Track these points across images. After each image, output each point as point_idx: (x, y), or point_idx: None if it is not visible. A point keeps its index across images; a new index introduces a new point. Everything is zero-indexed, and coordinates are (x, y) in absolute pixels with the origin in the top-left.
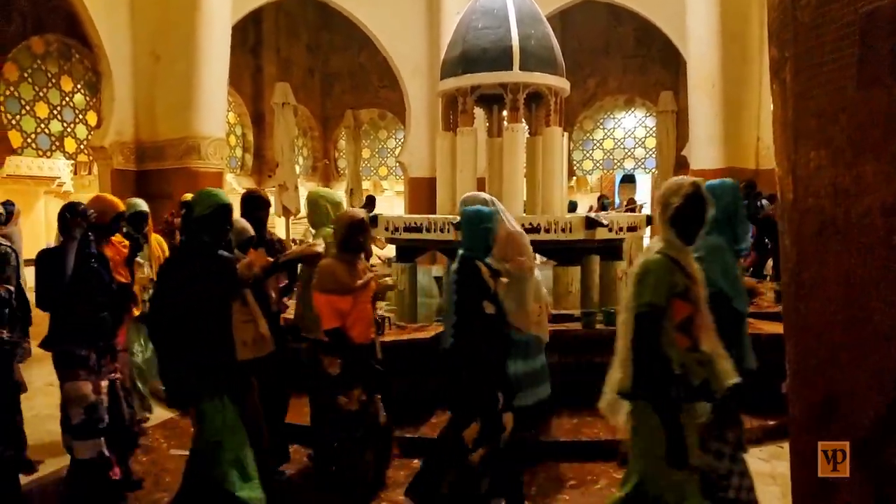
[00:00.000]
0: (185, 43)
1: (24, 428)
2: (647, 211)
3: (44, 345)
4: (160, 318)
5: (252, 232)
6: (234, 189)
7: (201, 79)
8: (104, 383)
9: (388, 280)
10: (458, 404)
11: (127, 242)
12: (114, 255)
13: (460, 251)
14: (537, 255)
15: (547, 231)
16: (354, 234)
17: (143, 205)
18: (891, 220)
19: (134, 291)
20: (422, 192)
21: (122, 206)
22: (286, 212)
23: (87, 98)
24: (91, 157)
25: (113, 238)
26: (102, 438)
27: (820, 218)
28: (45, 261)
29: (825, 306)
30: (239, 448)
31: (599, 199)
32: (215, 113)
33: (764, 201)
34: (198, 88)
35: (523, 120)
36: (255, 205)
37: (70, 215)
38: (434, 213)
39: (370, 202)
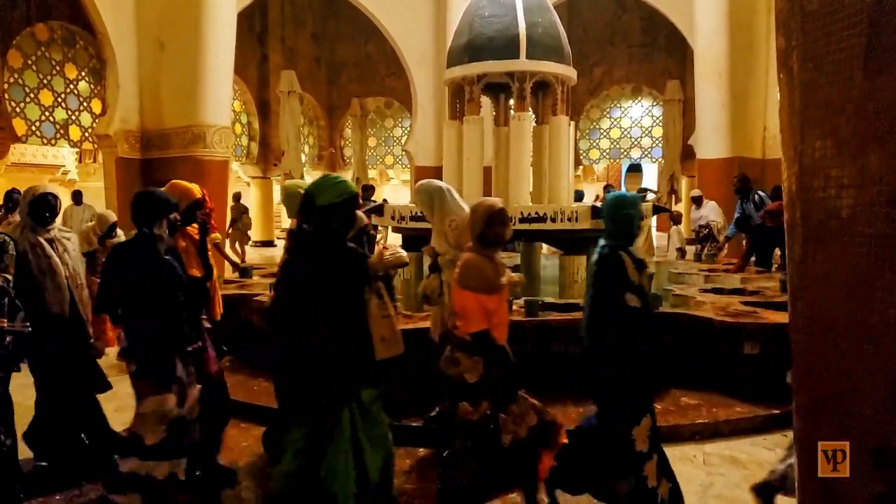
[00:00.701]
0: (191, 30)
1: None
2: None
3: (125, 354)
4: (288, 315)
5: (366, 221)
6: (239, 178)
7: (206, 67)
8: (193, 392)
9: (516, 276)
10: (611, 400)
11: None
12: (187, 246)
13: (601, 240)
14: (544, 245)
15: (553, 220)
16: (493, 225)
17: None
18: (895, 211)
19: (208, 286)
20: None
21: (198, 193)
22: None
23: (92, 86)
24: (96, 146)
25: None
26: (184, 459)
27: (825, 208)
28: (121, 258)
29: (830, 296)
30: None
31: (605, 188)
32: (221, 101)
33: (761, 194)
34: (203, 76)
35: (530, 109)
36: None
37: (158, 207)
38: None
39: (367, 190)
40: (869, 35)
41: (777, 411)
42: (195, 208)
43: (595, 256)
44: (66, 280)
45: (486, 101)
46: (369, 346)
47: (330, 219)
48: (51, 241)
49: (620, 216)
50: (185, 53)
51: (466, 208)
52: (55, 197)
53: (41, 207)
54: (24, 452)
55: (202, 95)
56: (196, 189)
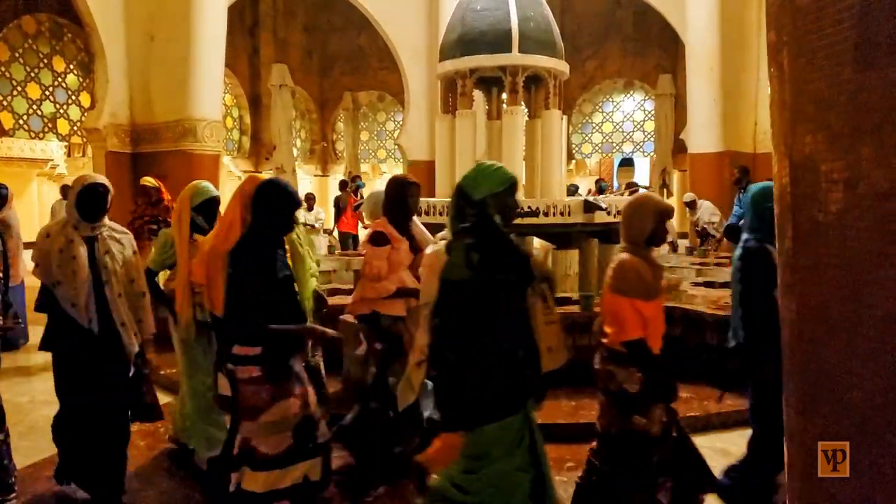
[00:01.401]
0: (180, 23)
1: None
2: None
3: (243, 362)
4: (450, 322)
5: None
6: (230, 173)
7: (197, 60)
8: (311, 390)
9: (674, 279)
10: (768, 399)
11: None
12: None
13: (744, 235)
14: (535, 239)
15: (546, 214)
16: (662, 223)
17: (214, 189)
18: (886, 205)
19: None
20: (421, 176)
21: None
22: None
23: (80, 79)
24: (85, 139)
25: None
26: (318, 458)
27: (816, 202)
28: (250, 257)
29: (821, 290)
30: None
31: (597, 182)
32: (211, 95)
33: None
34: (193, 70)
35: (522, 103)
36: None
37: (289, 201)
38: (433, 196)
39: (355, 180)
40: (859, 29)
41: None
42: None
43: (738, 251)
44: (88, 286)
45: (478, 95)
46: (537, 353)
47: (491, 210)
48: (92, 240)
49: (764, 209)
50: (175, 46)
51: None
52: (105, 188)
53: (90, 199)
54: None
55: (193, 89)
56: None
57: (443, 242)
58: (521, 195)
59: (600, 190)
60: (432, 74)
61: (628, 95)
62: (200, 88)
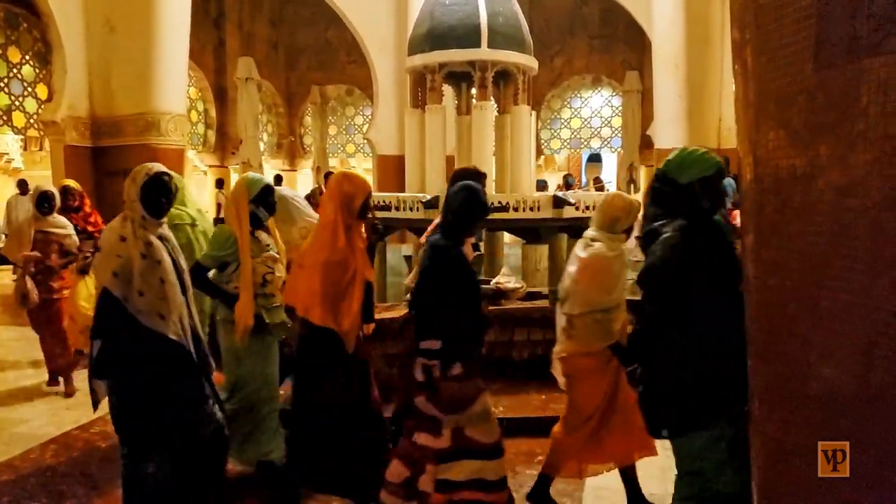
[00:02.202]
0: (142, 13)
1: None
2: (612, 189)
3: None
4: (664, 317)
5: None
6: (196, 167)
7: (160, 52)
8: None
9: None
10: None
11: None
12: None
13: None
14: (506, 234)
15: (515, 209)
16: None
17: (264, 177)
18: (844, 201)
19: None
20: (390, 170)
21: (369, 186)
22: None
23: (37, 70)
24: (42, 133)
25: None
26: None
27: (778, 198)
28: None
29: (782, 283)
30: None
31: (565, 177)
32: (175, 88)
33: (730, 179)
34: (156, 62)
35: (492, 98)
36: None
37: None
38: (403, 191)
39: (329, 177)
40: (818, 29)
41: None
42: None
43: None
44: (179, 294)
45: (448, 89)
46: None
47: (701, 197)
48: (162, 239)
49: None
50: (136, 37)
51: (313, 215)
52: (170, 177)
53: (158, 191)
54: None
55: (156, 81)
56: (367, 182)
57: (599, 245)
58: (491, 190)
59: (568, 185)
60: (401, 68)
61: (596, 91)
62: (164, 81)
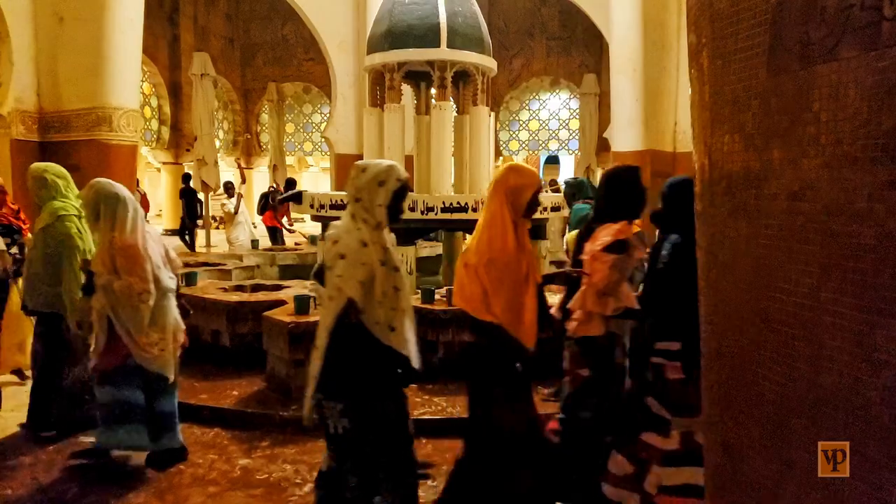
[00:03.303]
0: (92, 4)
1: None
2: None
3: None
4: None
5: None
6: (149, 164)
7: (111, 44)
8: None
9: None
10: None
11: None
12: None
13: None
14: (467, 235)
15: (475, 210)
16: None
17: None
18: (796, 205)
19: None
20: (349, 169)
21: (539, 179)
22: (205, 187)
23: None
24: None
25: None
26: None
27: (732, 201)
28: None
29: (735, 286)
30: None
31: None
32: (128, 82)
33: None
34: (108, 55)
35: (451, 98)
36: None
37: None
38: None
39: (291, 184)
40: (772, 34)
41: None
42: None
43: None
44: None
45: (407, 89)
46: None
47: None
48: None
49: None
50: (86, 29)
51: (140, 232)
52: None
53: (403, 198)
54: None
55: (107, 75)
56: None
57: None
58: (449, 190)
59: None
60: (360, 66)
61: (554, 94)
62: (116, 75)
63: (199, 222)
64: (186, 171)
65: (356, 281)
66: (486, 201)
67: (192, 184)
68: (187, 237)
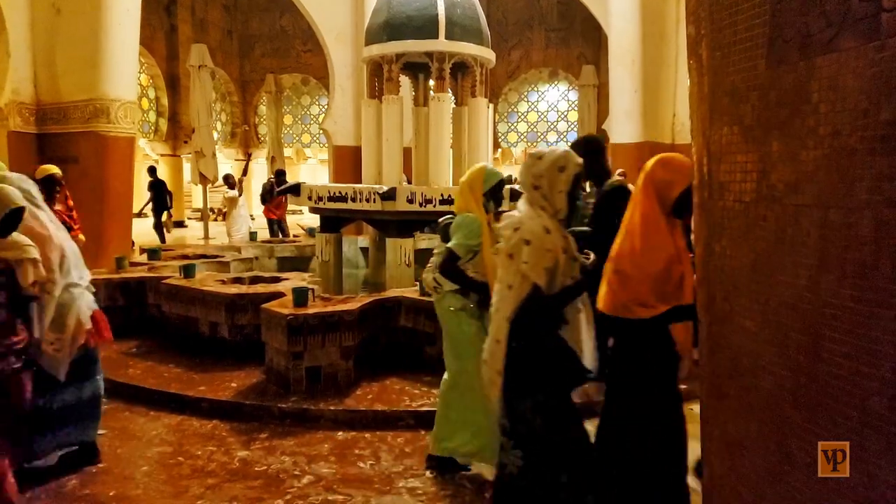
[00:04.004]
0: None
1: None
2: None
3: None
4: None
5: None
6: (147, 156)
7: (109, 36)
8: None
9: None
10: None
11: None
12: None
13: None
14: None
15: None
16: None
17: (502, 173)
18: (794, 197)
19: None
20: (347, 161)
21: (692, 172)
22: (203, 179)
23: None
24: None
25: None
26: None
27: (730, 192)
28: None
29: (733, 277)
30: None
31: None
32: (125, 74)
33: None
34: (105, 46)
35: (449, 90)
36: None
37: None
38: (360, 182)
39: (280, 175)
40: (771, 26)
41: (684, 387)
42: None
43: None
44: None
45: (405, 80)
46: None
47: None
48: None
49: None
50: (84, 20)
51: (48, 234)
52: None
53: (578, 183)
54: None
55: (105, 67)
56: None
57: None
58: (448, 182)
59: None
60: (358, 58)
61: (553, 85)
62: (113, 66)
63: (165, 214)
64: (151, 164)
65: (542, 268)
66: (633, 199)
67: (158, 175)
68: (158, 230)
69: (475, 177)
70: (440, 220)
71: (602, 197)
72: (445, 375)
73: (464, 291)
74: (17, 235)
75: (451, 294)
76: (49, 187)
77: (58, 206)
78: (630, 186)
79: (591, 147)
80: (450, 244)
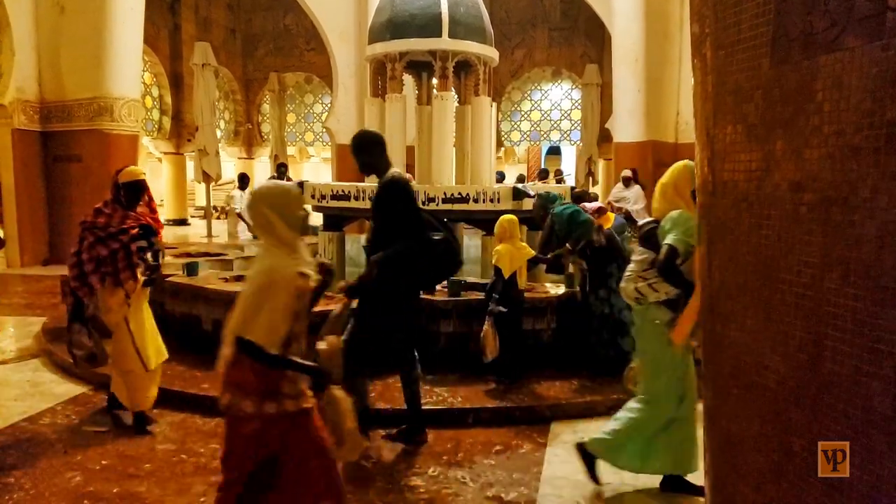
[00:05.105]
0: None
1: None
2: (571, 182)
3: None
4: None
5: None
6: (150, 154)
7: (112, 34)
8: None
9: None
10: None
11: None
12: None
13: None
14: (467, 226)
15: (476, 201)
16: None
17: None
18: (797, 196)
19: None
20: (350, 160)
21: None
22: (206, 177)
23: None
24: None
25: None
26: None
27: (734, 191)
28: None
29: (736, 276)
30: None
31: (539, 172)
32: (129, 72)
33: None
34: (109, 45)
35: (452, 89)
36: None
37: None
38: (363, 181)
39: (282, 168)
40: (775, 25)
41: None
42: None
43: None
44: None
45: (408, 79)
46: None
47: None
48: None
49: None
50: (87, 19)
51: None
52: None
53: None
54: None
55: (108, 65)
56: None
57: None
58: (451, 181)
59: (521, 179)
60: (361, 56)
61: (556, 84)
62: (117, 64)
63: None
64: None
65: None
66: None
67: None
68: None
69: (680, 174)
70: (640, 224)
71: (381, 188)
72: (637, 399)
73: (671, 303)
74: None
75: (656, 306)
76: (135, 194)
77: (140, 208)
78: (408, 177)
79: (367, 141)
80: (668, 240)
